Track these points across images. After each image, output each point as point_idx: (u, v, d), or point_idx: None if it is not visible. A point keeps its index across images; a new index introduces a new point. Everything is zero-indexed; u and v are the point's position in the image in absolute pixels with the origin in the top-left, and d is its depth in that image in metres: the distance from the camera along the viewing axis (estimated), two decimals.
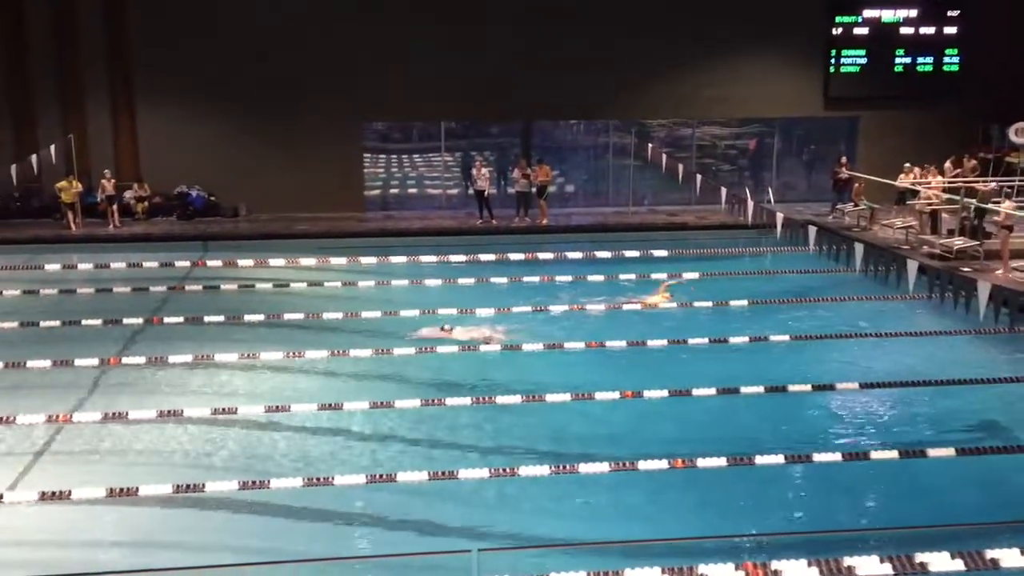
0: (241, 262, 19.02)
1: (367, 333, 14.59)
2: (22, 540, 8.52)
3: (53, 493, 9.06)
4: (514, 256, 18.98)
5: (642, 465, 9.61)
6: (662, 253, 18.84)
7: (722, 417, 11.35)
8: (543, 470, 9.59)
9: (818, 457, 9.85)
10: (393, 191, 26.74)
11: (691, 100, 25.63)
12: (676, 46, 24.94)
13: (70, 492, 9.05)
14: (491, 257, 18.89)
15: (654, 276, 17.31)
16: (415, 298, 16.46)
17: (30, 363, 12.66)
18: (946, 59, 25.68)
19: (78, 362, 12.75)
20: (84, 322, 14.68)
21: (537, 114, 25.74)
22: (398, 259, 19.26)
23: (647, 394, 11.48)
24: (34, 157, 21.77)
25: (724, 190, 18.95)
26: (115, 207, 22.89)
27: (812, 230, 14.66)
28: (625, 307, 15.75)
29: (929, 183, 20.71)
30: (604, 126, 26.75)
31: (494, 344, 13.94)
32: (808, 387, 11.90)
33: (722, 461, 9.68)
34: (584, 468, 9.57)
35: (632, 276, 17.56)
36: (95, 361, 12.89)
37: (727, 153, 27.44)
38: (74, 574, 7.71)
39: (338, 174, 24.77)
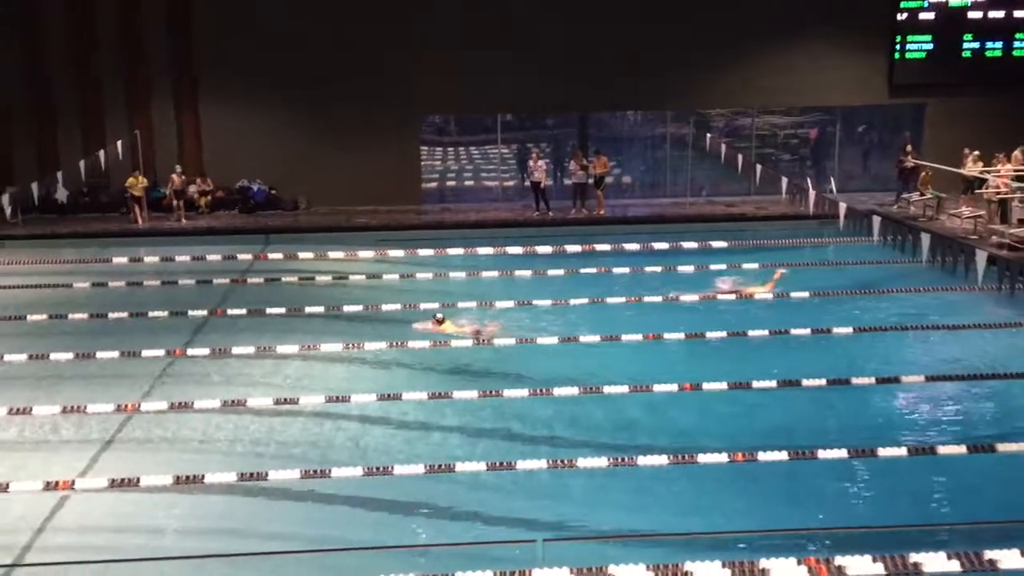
0: (301, 255, 19.28)
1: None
2: (93, 526, 8.75)
3: (122, 480, 9.29)
4: (571, 248, 18.97)
5: (702, 458, 9.52)
6: (721, 244, 18.64)
7: (783, 410, 11.18)
8: (601, 462, 9.56)
9: (883, 452, 9.65)
10: (450, 184, 26.88)
11: (751, 89, 25.24)
12: (735, 34, 24.57)
13: (138, 479, 9.28)
14: (548, 249, 18.91)
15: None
16: (472, 290, 16.54)
17: (99, 354, 13.00)
18: (1016, 43, 24.89)
19: (145, 353, 13.07)
20: (151, 314, 15.05)
21: (594, 105, 25.61)
22: (455, 251, 19.36)
23: (706, 386, 11.37)
24: (102, 153, 22.36)
25: (784, 180, 18.68)
26: (181, 201, 23.38)
27: (876, 220, 14.41)
28: (682, 298, 15.60)
29: (998, 171, 20.14)
30: (661, 117, 26.51)
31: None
32: (872, 380, 11.67)
33: (783, 455, 9.54)
34: (643, 460, 9.52)
35: (690, 268, 17.42)
36: (161, 352, 13.19)
37: (787, 142, 27.00)
38: (143, 559, 7.93)
39: (396, 167, 24.94)
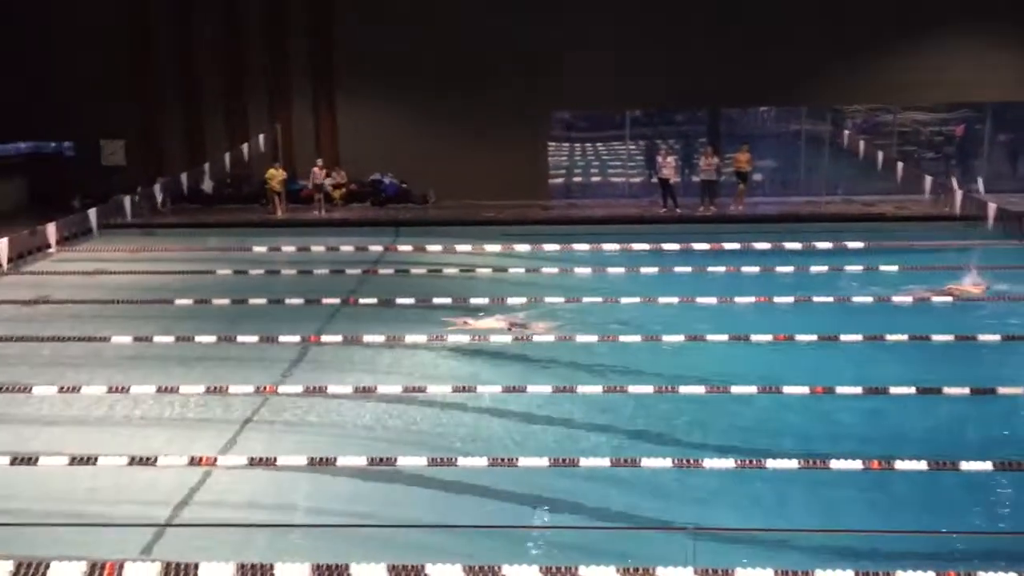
0: (430, 247, 19.68)
1: (549, 319, 14.75)
2: (234, 501, 9.13)
3: (261, 459, 9.70)
4: (698, 246, 18.70)
5: (834, 464, 9.22)
6: (857, 245, 18.00)
7: (922, 418, 10.70)
8: (728, 463, 9.38)
9: None
10: (577, 179, 26.88)
11: (893, 84, 24.25)
12: (877, 26, 23.68)
13: (275, 459, 9.67)
14: (675, 246, 18.71)
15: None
16: (597, 285, 16.53)
17: (240, 338, 13.62)
18: None
19: (282, 338, 13.61)
20: (287, 301, 15.65)
21: (725, 101, 25.14)
22: (581, 247, 19.38)
23: (839, 390, 11.01)
24: (245, 146, 23.43)
25: (928, 179, 17.88)
26: (321, 194, 24.24)
27: None
28: (815, 299, 15.14)
29: None
30: (796, 112, 25.76)
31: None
32: (1021, 390, 11.03)
33: (922, 464, 9.14)
34: (772, 464, 9.29)
35: (824, 268, 16.90)
36: (297, 338, 13.70)
37: (931, 140, 25.80)
38: (284, 524, 8.28)
39: (523, 162, 25.13)
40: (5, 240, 16.25)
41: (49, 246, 18.38)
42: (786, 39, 23.69)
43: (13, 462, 9.72)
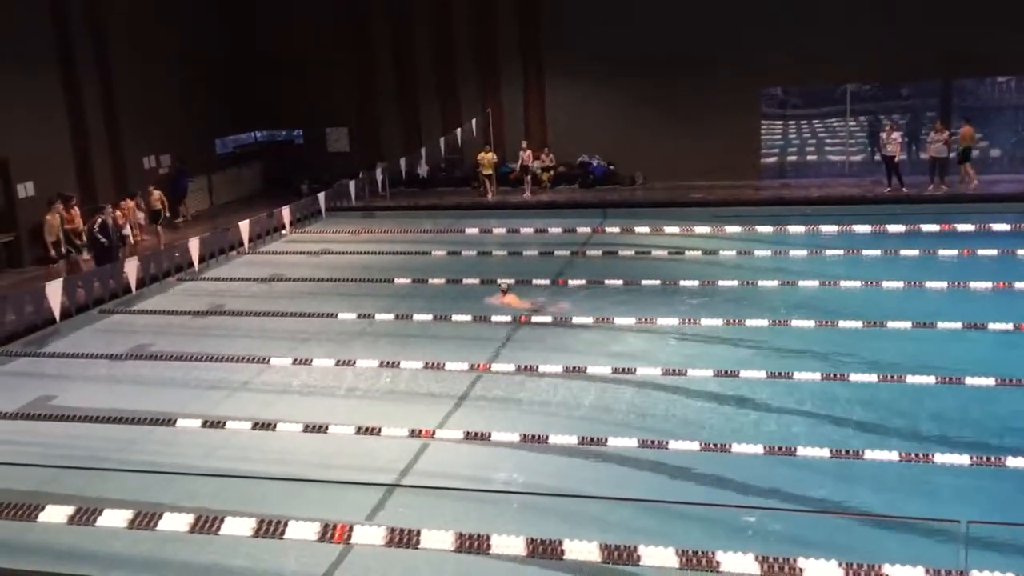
0: (638, 229, 19.56)
1: (762, 303, 14.31)
2: (451, 472, 9.47)
3: (476, 433, 10.03)
4: (927, 227, 17.58)
5: None
6: None
7: None
8: (963, 459, 8.75)
9: None
10: (791, 158, 25.82)
11: None
12: None
13: (490, 434, 9.96)
14: (900, 228, 17.68)
15: None
16: (813, 269, 15.87)
17: (454, 316, 14.12)
18: None
19: (494, 318, 13.98)
20: (499, 281, 16.02)
21: (959, 71, 23.29)
22: (795, 228, 18.66)
23: None
24: (458, 131, 24.19)
25: None
26: (530, 176, 24.64)
27: None
28: None
29: None
30: None
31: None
32: None
33: None
34: (1013, 462, 8.58)
35: None
36: (508, 318, 14.03)
37: None
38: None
39: (734, 142, 24.40)
40: (247, 222, 17.63)
41: (284, 227, 19.77)
42: None
43: (254, 427, 10.58)
